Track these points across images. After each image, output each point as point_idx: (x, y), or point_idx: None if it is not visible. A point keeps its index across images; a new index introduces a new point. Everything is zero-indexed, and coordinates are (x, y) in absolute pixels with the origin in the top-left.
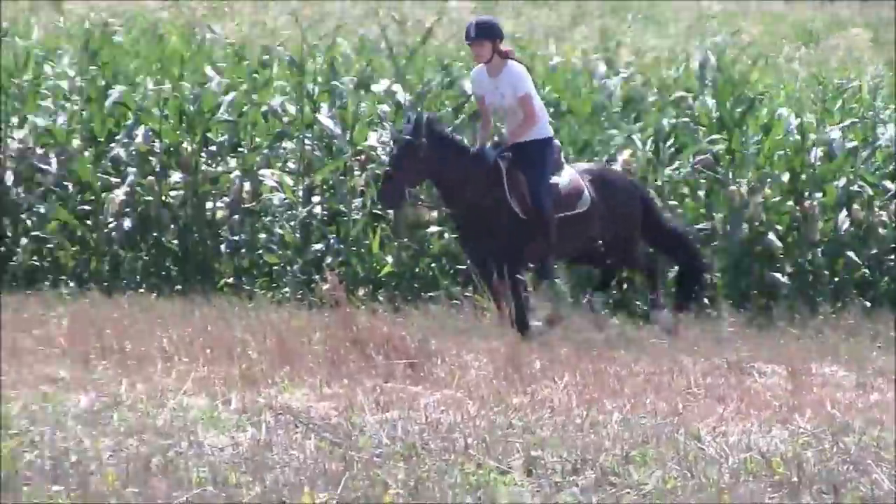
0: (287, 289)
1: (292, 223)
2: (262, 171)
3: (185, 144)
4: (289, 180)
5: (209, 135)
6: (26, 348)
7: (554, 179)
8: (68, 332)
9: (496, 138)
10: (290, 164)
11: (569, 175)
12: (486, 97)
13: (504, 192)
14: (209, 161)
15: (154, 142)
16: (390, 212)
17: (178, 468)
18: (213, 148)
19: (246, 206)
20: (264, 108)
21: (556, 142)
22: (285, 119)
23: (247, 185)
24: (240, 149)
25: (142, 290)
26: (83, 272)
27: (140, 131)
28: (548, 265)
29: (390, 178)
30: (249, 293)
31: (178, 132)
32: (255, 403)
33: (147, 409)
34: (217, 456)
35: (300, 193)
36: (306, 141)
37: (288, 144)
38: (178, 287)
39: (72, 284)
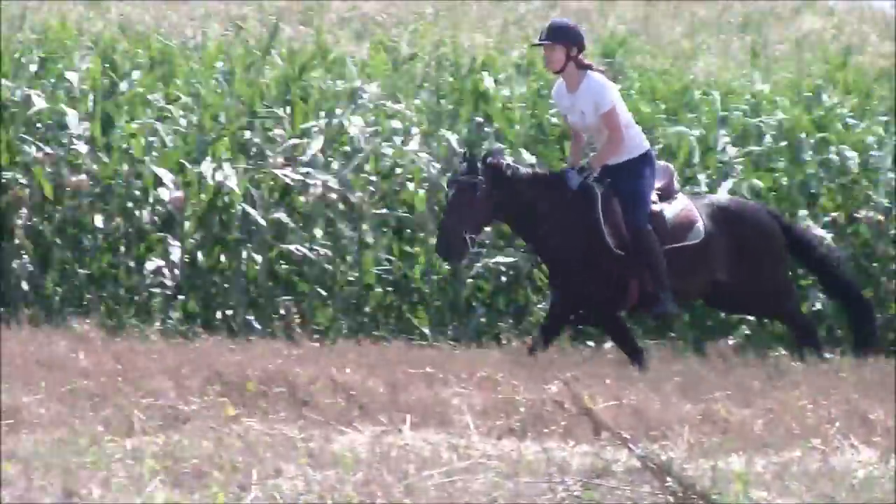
0: None
1: None
2: None
3: None
4: None
5: None
6: None
7: (658, 207)
8: None
9: (587, 161)
10: None
11: (681, 204)
12: (568, 117)
13: (597, 224)
14: None
15: None
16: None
17: None
18: None
19: None
20: None
21: (669, 165)
22: None
23: None
24: None
25: None
26: None
27: None
28: (664, 297)
29: (445, 226)
30: None
31: None
32: None
33: None
34: None
35: None
36: None
37: None
38: None
39: None
